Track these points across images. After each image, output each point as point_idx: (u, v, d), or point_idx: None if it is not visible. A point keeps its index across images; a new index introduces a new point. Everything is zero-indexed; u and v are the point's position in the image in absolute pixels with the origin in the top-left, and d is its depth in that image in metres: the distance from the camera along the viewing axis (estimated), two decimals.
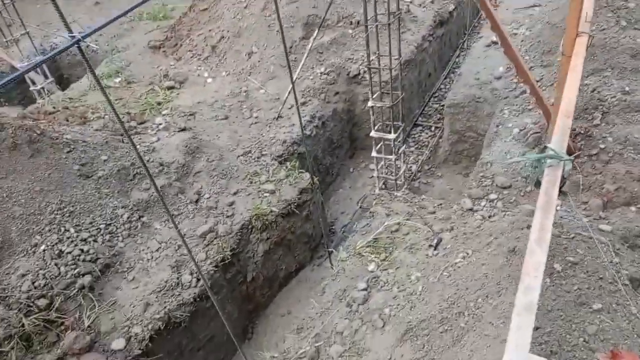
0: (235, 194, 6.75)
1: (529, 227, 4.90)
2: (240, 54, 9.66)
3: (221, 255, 5.74)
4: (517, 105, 7.69)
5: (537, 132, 6.78)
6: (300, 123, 4.87)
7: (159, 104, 8.76)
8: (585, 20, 5.29)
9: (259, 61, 9.38)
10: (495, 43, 9.48)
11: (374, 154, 7.94)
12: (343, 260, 5.67)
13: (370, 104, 7.37)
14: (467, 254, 4.94)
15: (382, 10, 7.12)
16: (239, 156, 7.49)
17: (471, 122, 8.65)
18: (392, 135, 7.52)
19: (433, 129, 10.22)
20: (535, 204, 5.91)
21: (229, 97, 8.98)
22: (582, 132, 6.28)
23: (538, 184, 5.45)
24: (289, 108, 8.53)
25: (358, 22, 9.89)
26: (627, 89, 6.58)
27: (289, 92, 8.30)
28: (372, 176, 9.11)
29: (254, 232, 6.31)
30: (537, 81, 7.84)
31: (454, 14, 11.65)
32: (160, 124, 7.78)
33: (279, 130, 8.14)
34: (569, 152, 5.82)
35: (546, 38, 8.63)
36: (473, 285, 4.27)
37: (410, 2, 11.13)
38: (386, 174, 8.23)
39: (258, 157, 7.54)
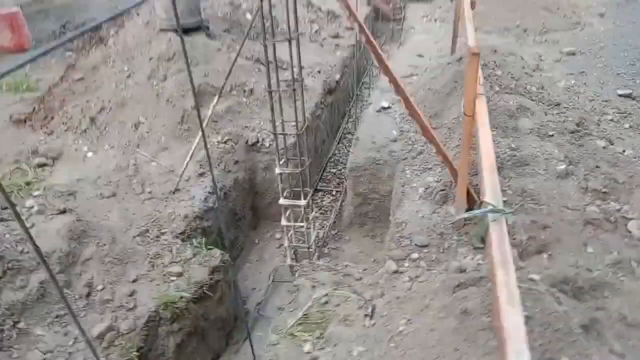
0: (134, 281, 5.82)
1: (462, 285, 4.85)
2: (126, 125, 8.85)
3: (126, 358, 4.75)
4: (417, 165, 7.97)
5: (442, 190, 7.00)
6: (216, 190, 4.35)
7: (28, 184, 7.52)
8: (479, 83, 5.70)
9: (147, 132, 8.66)
10: (385, 108, 9.98)
11: (284, 222, 7.56)
12: (274, 344, 5.04)
13: (277, 170, 7.09)
14: (408, 319, 4.68)
15: (281, 78, 7.07)
16: (134, 237, 6.58)
17: (373, 184, 8.78)
18: (303, 202, 7.25)
19: (334, 192, 10.21)
20: (456, 260, 5.98)
21: (115, 172, 8.05)
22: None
23: (482, 240, 5.49)
24: (186, 180, 7.89)
25: (251, 91, 9.77)
26: (512, 145, 7.17)
27: (187, 164, 7.71)
28: (281, 245, 8.66)
29: (162, 324, 5.41)
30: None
31: (341, 83, 12.18)
32: (33, 207, 6.59)
33: (178, 205, 7.41)
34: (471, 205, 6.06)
35: (430, 103, 9.27)
36: (428, 354, 3.97)
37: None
38: (297, 242, 7.86)
39: (157, 237, 6.69)
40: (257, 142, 8.96)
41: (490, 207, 3.80)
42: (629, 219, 5.88)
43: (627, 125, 8.45)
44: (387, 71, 5.96)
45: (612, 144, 7.52)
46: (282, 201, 7.31)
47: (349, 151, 11.99)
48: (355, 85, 12.13)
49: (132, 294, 5.61)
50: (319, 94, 10.87)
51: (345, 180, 10.34)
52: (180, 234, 6.87)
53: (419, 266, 5.91)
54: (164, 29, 9.94)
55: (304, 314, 5.32)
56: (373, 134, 9.16)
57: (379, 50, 5.90)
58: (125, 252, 6.16)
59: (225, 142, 8.71)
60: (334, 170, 10.91)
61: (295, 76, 6.57)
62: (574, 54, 11.90)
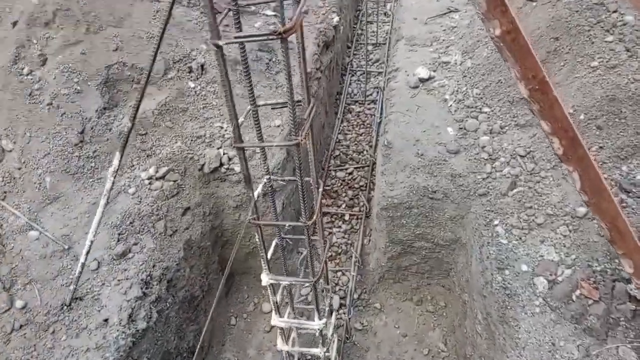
0: None
1: None
2: None
3: None
4: (514, 210, 4.43)
5: (590, 300, 3.57)
6: None
7: None
8: None
9: (17, 168, 4.78)
10: (425, 81, 6.16)
11: (280, 346, 4.12)
12: None
13: (265, 281, 3.51)
14: None
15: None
16: None
17: (423, 227, 5.25)
18: (317, 323, 3.77)
19: (347, 218, 6.64)
20: None
21: None
22: None
23: None
24: (94, 270, 4.25)
25: (203, 68, 5.78)
26: None
27: (94, 234, 3.97)
28: (272, 328, 5.32)
29: None
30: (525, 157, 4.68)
31: (340, 28, 8.11)
32: None
33: (75, 342, 3.83)
34: None
35: (506, 68, 5.53)
36: None
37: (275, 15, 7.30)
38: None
39: None
40: (221, 164, 5.21)
41: None
42: None
43: None
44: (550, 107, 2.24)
45: None
46: (276, 322, 3.80)
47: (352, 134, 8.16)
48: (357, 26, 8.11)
49: None
50: (312, 55, 6.90)
51: (366, 204, 6.75)
52: None
53: None
54: None
55: None
56: (414, 135, 5.45)
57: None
58: None
59: (163, 177, 4.93)
60: (343, 170, 7.23)
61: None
62: None
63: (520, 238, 4.20)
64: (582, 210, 4.13)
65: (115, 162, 3.19)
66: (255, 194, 3.06)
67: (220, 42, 2.39)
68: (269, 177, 3.28)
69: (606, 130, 4.55)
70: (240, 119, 3.48)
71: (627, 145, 4.40)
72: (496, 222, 4.41)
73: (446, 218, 5.05)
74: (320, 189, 3.28)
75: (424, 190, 5.01)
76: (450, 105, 5.73)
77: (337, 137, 7.75)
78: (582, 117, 4.75)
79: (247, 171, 2.94)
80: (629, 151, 4.37)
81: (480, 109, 5.53)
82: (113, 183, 3.25)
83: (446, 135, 5.39)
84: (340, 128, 7.93)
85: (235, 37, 2.43)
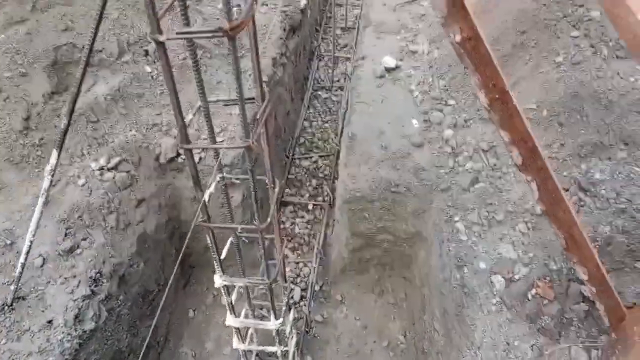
0: None
1: None
2: None
3: None
4: (474, 205, 4.41)
5: (545, 299, 3.60)
6: None
7: None
8: None
9: None
10: (391, 70, 6.04)
11: (236, 345, 4.02)
12: None
13: (217, 282, 3.39)
14: None
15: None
16: None
17: (385, 221, 5.20)
18: (273, 323, 3.68)
19: (311, 208, 6.54)
20: None
21: None
22: None
23: None
24: (39, 267, 4.02)
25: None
26: None
27: (35, 229, 3.72)
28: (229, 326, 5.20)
29: None
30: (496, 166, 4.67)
31: (307, 11, 7.87)
32: None
33: (20, 345, 3.64)
34: None
35: None
36: None
37: None
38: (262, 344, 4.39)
39: None
40: (178, 154, 4.99)
41: None
42: None
43: None
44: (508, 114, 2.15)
45: None
46: (230, 321, 3.69)
47: (324, 109, 8.09)
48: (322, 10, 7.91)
49: None
50: (277, 39, 6.67)
51: (330, 194, 6.65)
52: None
53: None
54: None
55: None
56: (379, 127, 5.35)
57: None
58: None
59: (115, 168, 4.69)
60: (308, 159, 7.10)
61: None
62: None
63: (480, 235, 4.19)
64: None
65: (53, 160, 2.96)
66: (206, 195, 2.91)
67: (161, 38, 2.19)
68: (222, 176, 3.12)
69: (568, 128, 4.55)
70: (189, 117, 3.30)
71: (587, 144, 4.41)
72: (457, 218, 4.39)
73: (408, 212, 5.00)
74: (277, 190, 3.15)
75: (386, 183, 4.94)
76: (416, 96, 5.65)
77: (302, 125, 7.58)
78: (544, 113, 4.74)
79: (196, 172, 2.77)
80: (588, 149, 4.39)
81: (446, 101, 5.47)
82: (51, 182, 3.02)
83: (411, 127, 5.31)
84: (306, 115, 7.77)
85: (178, 33, 2.23)
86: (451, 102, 5.44)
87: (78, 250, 4.17)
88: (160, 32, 2.21)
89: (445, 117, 5.28)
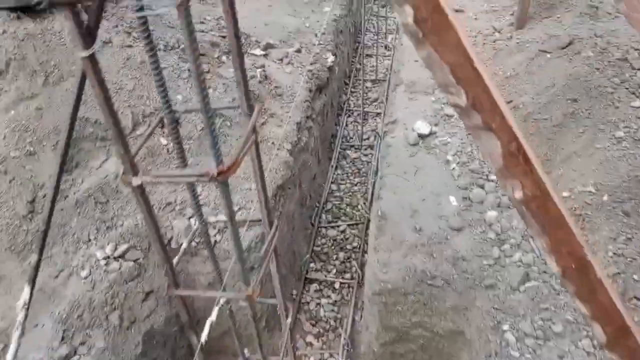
0: None
1: None
2: None
3: None
4: (524, 309, 3.78)
5: None
6: None
7: None
8: None
9: None
10: (424, 137, 5.54)
11: None
12: None
13: None
14: None
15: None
16: None
17: (421, 315, 4.59)
18: None
19: (338, 287, 5.98)
20: None
21: None
22: None
23: None
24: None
25: (177, 121, 5.14)
26: None
27: (16, 346, 3.29)
28: None
29: None
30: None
31: (335, 69, 7.52)
32: None
33: None
34: None
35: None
36: None
37: (265, 56, 6.75)
38: None
39: None
40: (191, 239, 4.57)
41: None
42: None
43: None
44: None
45: None
46: None
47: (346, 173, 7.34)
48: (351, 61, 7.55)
49: None
50: (302, 102, 6.31)
51: (359, 271, 6.09)
52: None
53: None
54: None
55: None
56: (412, 204, 4.82)
57: None
58: None
59: (122, 256, 4.31)
60: (335, 227, 6.58)
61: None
62: None
63: (535, 351, 3.54)
64: None
65: (25, 295, 2.58)
66: (176, 258, 2.44)
67: (135, 181, 1.78)
68: (202, 219, 2.40)
69: (635, 218, 3.90)
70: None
71: None
72: (505, 326, 3.75)
73: (447, 307, 4.39)
74: (289, 321, 2.64)
75: (421, 274, 4.36)
76: (453, 169, 5.10)
77: (329, 188, 7.12)
78: (605, 198, 4.11)
79: (153, 218, 2.21)
80: None
81: (487, 175, 4.90)
82: (26, 317, 2.64)
83: (448, 205, 4.75)
84: (334, 177, 7.31)
85: (154, 177, 1.82)
86: (493, 176, 4.87)
87: (74, 358, 3.75)
88: (135, 173, 1.80)
89: (487, 195, 4.71)
